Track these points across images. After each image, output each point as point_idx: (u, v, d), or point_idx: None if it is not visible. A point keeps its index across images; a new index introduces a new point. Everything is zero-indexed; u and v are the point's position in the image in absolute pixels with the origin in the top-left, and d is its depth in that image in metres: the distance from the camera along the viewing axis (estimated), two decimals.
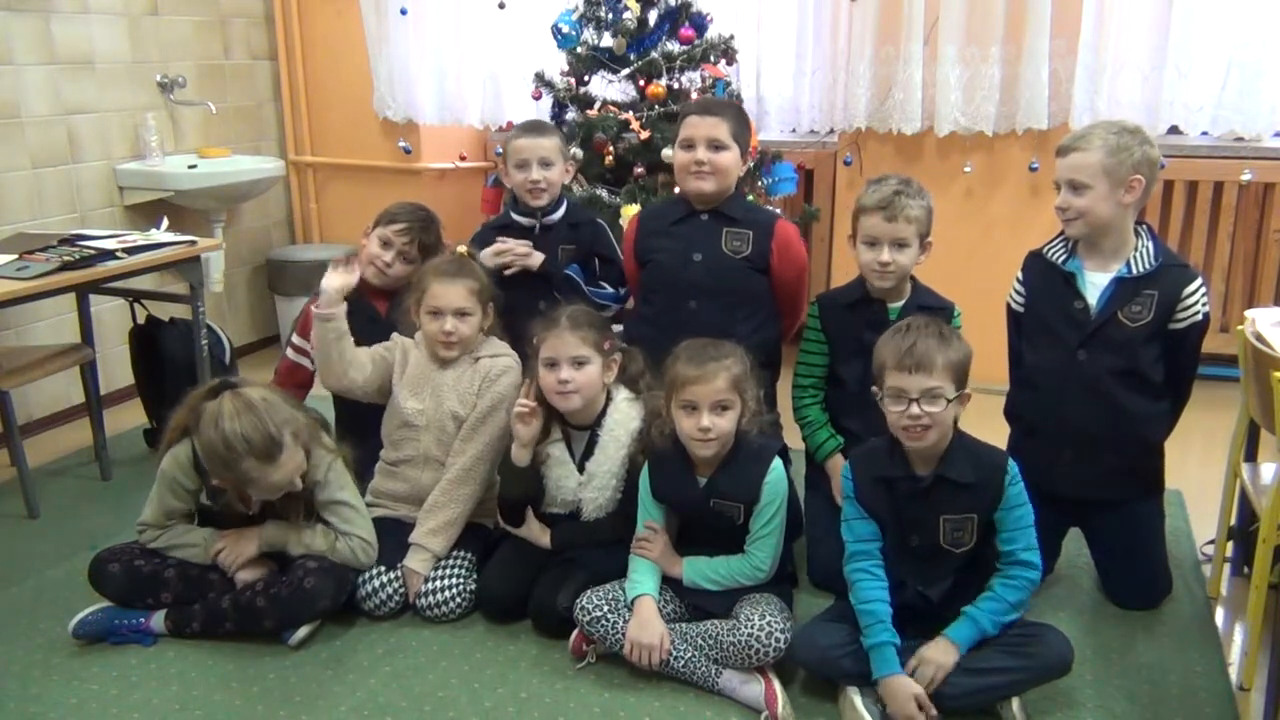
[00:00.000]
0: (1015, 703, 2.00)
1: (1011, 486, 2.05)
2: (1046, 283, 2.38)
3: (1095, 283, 2.31)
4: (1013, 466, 2.07)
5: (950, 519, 2.06)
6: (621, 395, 2.38)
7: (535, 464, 2.37)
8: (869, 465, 2.13)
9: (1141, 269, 2.28)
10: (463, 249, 2.62)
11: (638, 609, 2.17)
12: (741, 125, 2.58)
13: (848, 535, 2.14)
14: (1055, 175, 2.34)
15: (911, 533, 2.09)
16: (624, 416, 2.36)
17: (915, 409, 1.98)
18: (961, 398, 2.03)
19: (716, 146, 2.51)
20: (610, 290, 2.82)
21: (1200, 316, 2.30)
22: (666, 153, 3.29)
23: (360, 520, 2.39)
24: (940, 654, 1.99)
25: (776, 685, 2.07)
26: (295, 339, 2.84)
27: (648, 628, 2.14)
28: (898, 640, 2.02)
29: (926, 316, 2.14)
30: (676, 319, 2.50)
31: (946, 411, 2.00)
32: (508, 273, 2.71)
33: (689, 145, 2.52)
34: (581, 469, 2.36)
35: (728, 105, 2.63)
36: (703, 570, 2.23)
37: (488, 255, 2.71)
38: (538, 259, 2.74)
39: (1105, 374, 2.29)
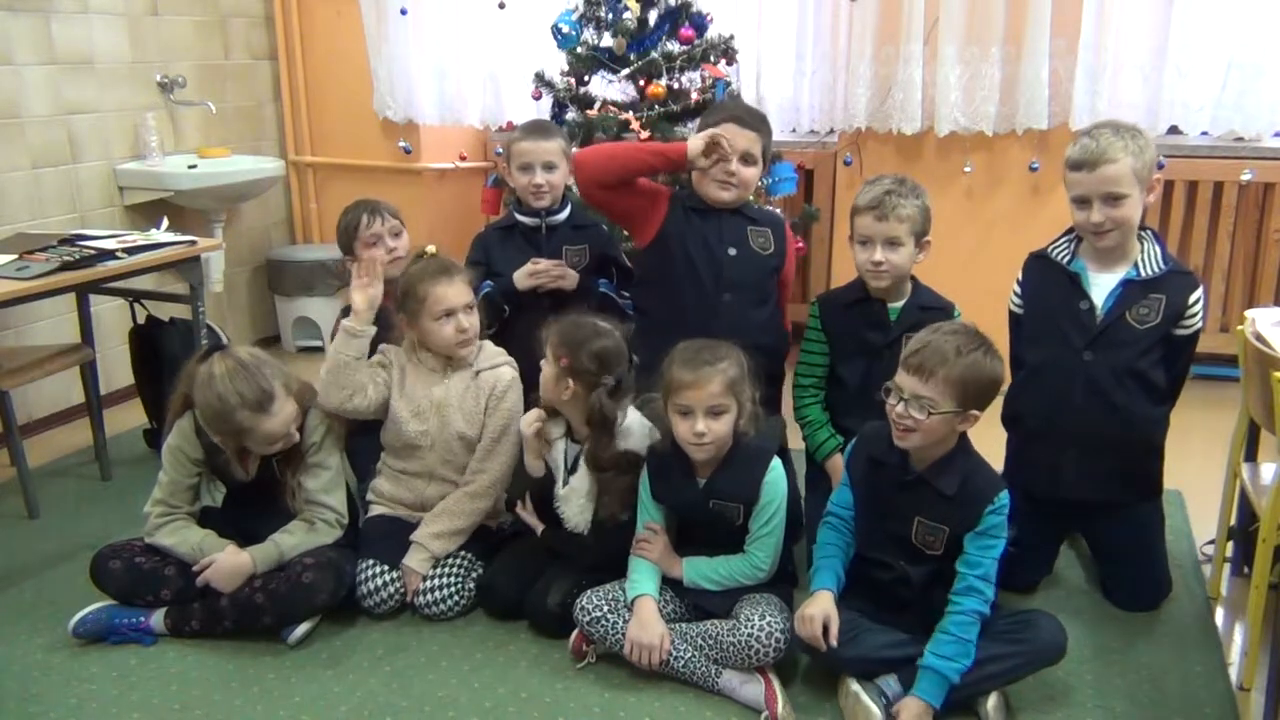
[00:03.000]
0: (992, 699, 2.01)
1: (991, 515, 2.02)
2: (1050, 283, 2.37)
3: (1100, 284, 2.31)
4: (1001, 498, 2.03)
5: (924, 523, 2.07)
6: (634, 415, 2.33)
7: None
8: (870, 442, 2.16)
9: (1150, 272, 2.28)
10: (431, 249, 2.51)
11: (638, 609, 2.17)
12: (770, 140, 2.59)
13: (833, 499, 2.22)
14: (1078, 191, 2.26)
15: (888, 519, 2.11)
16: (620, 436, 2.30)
17: (901, 408, 2.00)
18: (966, 416, 2.00)
19: (746, 160, 2.51)
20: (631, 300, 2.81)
21: (1201, 323, 2.32)
22: None
23: (336, 492, 2.43)
24: (915, 715, 1.97)
25: (776, 685, 2.07)
26: None
27: (648, 628, 2.14)
28: (840, 574, 2.14)
29: (964, 325, 2.10)
30: (711, 314, 2.49)
31: (933, 422, 1.98)
32: (540, 291, 2.68)
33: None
34: (565, 481, 2.34)
35: (763, 119, 2.59)
36: (703, 570, 2.23)
37: (520, 276, 2.68)
38: (573, 279, 2.70)
39: (1110, 375, 2.28)
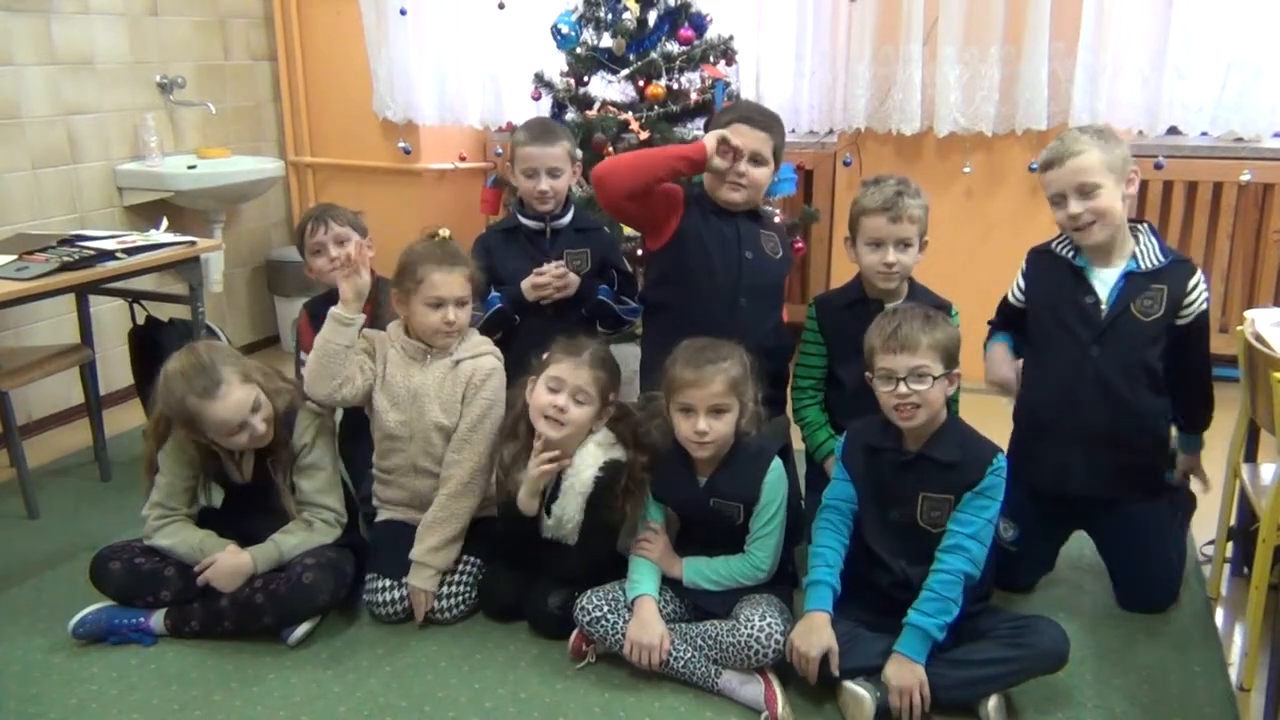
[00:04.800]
0: (993, 700, 2.01)
1: (991, 476, 2.06)
2: (1055, 279, 2.37)
3: (1103, 278, 2.32)
4: (1000, 460, 2.08)
5: (929, 497, 2.08)
6: (594, 437, 2.30)
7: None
8: (863, 433, 2.18)
9: (1151, 264, 2.30)
10: (445, 231, 2.50)
11: (637, 609, 2.17)
12: (782, 140, 2.57)
13: (827, 493, 2.22)
14: (1053, 190, 2.29)
15: (892, 507, 2.12)
16: (582, 462, 2.28)
17: (903, 388, 2.04)
18: (951, 376, 2.07)
19: (757, 160, 2.49)
20: (633, 305, 2.80)
21: (1205, 306, 2.33)
22: None
23: (333, 491, 2.43)
24: (906, 675, 1.99)
25: (776, 686, 2.07)
26: (304, 355, 2.81)
27: (647, 628, 2.14)
28: (836, 585, 2.11)
29: (913, 303, 2.19)
30: (728, 317, 2.46)
31: (934, 390, 2.04)
32: (545, 302, 2.67)
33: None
34: (549, 510, 2.32)
35: (775, 120, 2.56)
36: (702, 570, 2.23)
37: (526, 288, 2.66)
38: (574, 283, 2.69)
39: (1118, 369, 2.29)
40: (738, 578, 2.22)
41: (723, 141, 2.42)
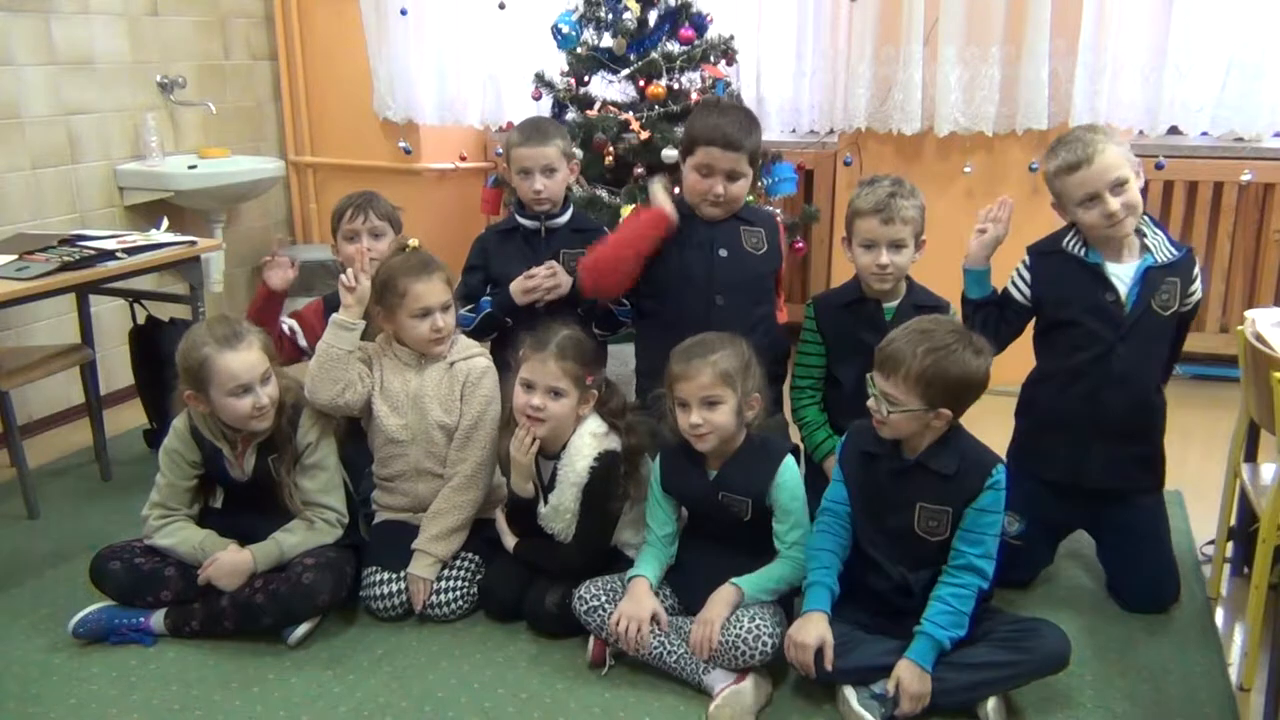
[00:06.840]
0: (992, 701, 2.00)
1: (990, 491, 2.03)
2: (1070, 278, 2.35)
3: (1120, 275, 2.31)
4: (999, 471, 2.05)
5: (927, 507, 2.06)
6: (588, 427, 2.31)
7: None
8: (860, 438, 2.16)
9: (1166, 258, 2.31)
10: (414, 241, 2.53)
11: (632, 587, 2.18)
12: (758, 143, 2.56)
13: (825, 495, 2.21)
14: (1085, 190, 2.25)
15: (888, 513, 2.10)
16: (576, 452, 2.29)
17: (871, 402, 2.06)
18: (937, 414, 2.01)
19: (732, 177, 2.50)
20: (627, 306, 2.80)
21: (1200, 293, 2.37)
22: (666, 153, 3.29)
23: (335, 491, 2.44)
24: (917, 682, 1.98)
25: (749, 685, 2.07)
26: (286, 318, 2.82)
27: (640, 603, 2.14)
28: (834, 586, 2.09)
29: (939, 321, 2.10)
30: (704, 316, 2.47)
31: (897, 419, 2.01)
32: (539, 305, 2.67)
33: (706, 173, 2.49)
34: (545, 499, 2.34)
35: (749, 129, 2.52)
36: (760, 584, 2.17)
37: (517, 292, 2.67)
38: (566, 283, 2.69)
39: (1139, 364, 2.31)
40: (792, 582, 2.19)
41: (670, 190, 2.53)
